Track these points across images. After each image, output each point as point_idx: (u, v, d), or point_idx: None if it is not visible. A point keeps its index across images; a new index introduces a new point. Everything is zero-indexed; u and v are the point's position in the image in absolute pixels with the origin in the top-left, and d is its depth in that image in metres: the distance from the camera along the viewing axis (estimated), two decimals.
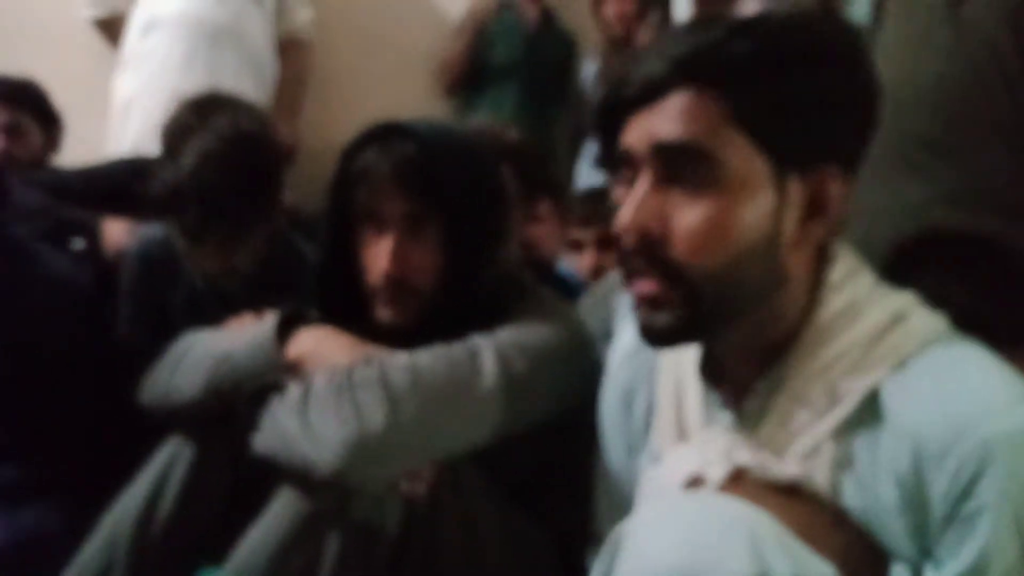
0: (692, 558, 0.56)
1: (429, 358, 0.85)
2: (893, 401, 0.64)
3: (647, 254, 0.66)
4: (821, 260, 0.70)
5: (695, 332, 0.69)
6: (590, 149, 2.50)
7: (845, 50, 0.67)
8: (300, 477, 0.82)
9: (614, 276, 1.46)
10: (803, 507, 0.65)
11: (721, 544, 0.56)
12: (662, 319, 0.67)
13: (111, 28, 2.39)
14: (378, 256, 0.92)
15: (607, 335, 1.41)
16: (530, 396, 0.88)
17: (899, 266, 0.82)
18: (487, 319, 0.91)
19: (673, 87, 0.65)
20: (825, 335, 0.67)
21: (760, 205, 0.65)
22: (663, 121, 0.65)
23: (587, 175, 2.35)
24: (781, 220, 0.66)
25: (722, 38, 0.65)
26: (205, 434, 0.95)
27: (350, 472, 0.79)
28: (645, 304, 0.68)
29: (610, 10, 2.46)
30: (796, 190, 0.66)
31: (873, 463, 0.64)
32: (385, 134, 0.93)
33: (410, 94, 2.76)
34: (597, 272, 1.62)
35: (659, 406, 0.78)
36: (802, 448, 0.66)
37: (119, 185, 1.67)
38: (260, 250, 1.33)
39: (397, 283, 0.91)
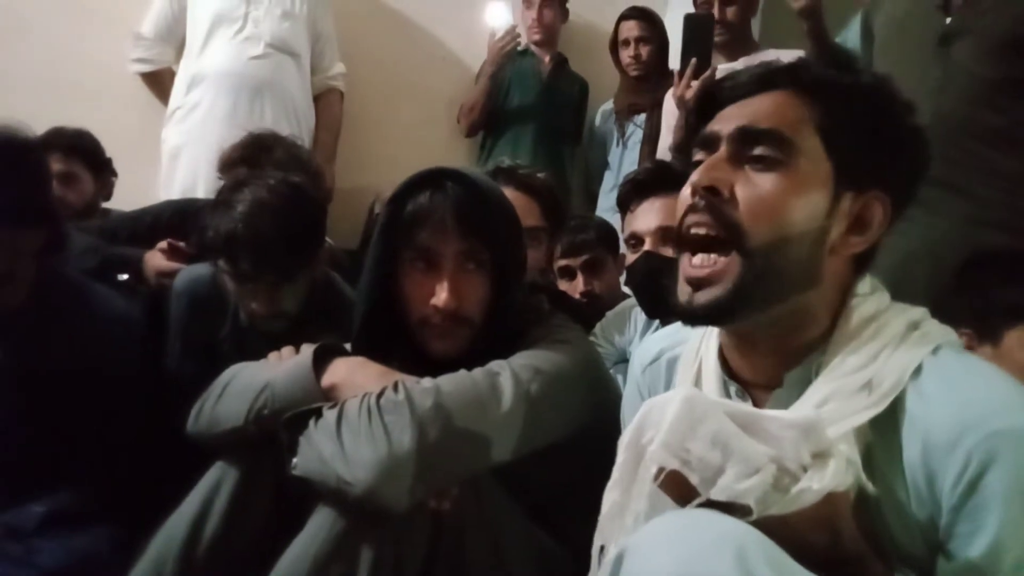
0: (684, 571, 0.60)
1: (451, 383, 0.90)
2: (909, 401, 0.69)
3: (713, 210, 0.74)
4: (850, 276, 0.77)
5: (734, 309, 0.74)
6: (607, 186, 2.57)
7: (905, 107, 0.77)
8: (335, 496, 0.86)
9: (625, 306, 1.52)
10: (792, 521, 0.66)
11: (710, 557, 0.60)
12: (707, 295, 0.74)
13: (158, 82, 2.55)
14: (430, 292, 0.98)
15: (622, 359, 1.46)
16: (546, 416, 0.93)
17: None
18: (508, 344, 0.97)
19: (770, 88, 0.76)
20: (854, 338, 0.73)
21: (816, 201, 0.73)
22: (754, 111, 0.76)
23: (605, 211, 2.41)
24: (829, 224, 0.74)
25: (820, 63, 0.77)
26: (248, 459, 1.00)
27: (381, 490, 0.83)
28: (691, 283, 0.75)
29: (627, 53, 2.55)
30: (848, 203, 0.75)
31: (889, 459, 0.69)
32: (436, 179, 1.01)
33: (433, 139, 2.88)
34: (587, 294, 1.74)
35: None
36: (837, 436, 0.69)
37: (166, 226, 1.77)
38: (304, 291, 1.41)
39: (452, 316, 0.98)
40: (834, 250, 0.75)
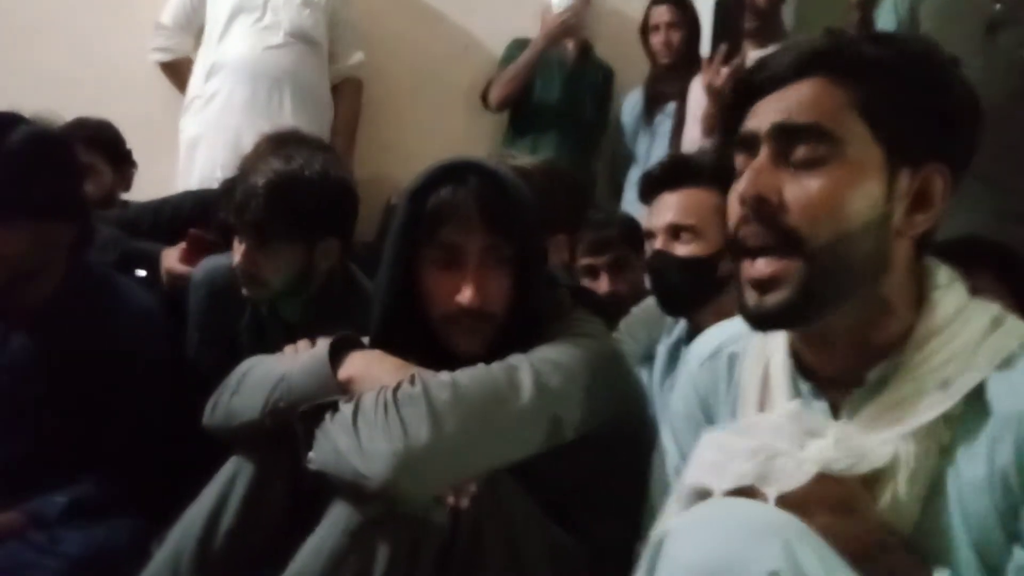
0: (726, 556, 0.60)
1: (469, 376, 0.89)
2: (998, 393, 0.67)
3: (765, 220, 0.71)
4: (917, 258, 0.75)
5: (806, 311, 0.72)
6: (633, 177, 2.54)
7: (952, 68, 0.74)
8: (352, 490, 0.86)
9: (651, 303, 1.50)
10: (826, 519, 0.67)
11: (754, 544, 0.60)
12: (773, 299, 0.71)
13: (177, 72, 2.54)
14: (454, 288, 0.96)
15: (647, 357, 1.43)
16: (565, 412, 0.91)
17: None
18: (529, 339, 0.95)
19: (805, 75, 0.72)
20: (938, 335, 0.71)
21: (871, 189, 0.70)
22: (790, 104, 0.72)
23: (631, 203, 2.38)
24: (890, 207, 0.71)
25: (856, 40, 0.73)
26: (264, 452, 1.00)
27: (397, 484, 0.83)
28: (756, 287, 0.72)
29: (657, 39, 2.50)
30: (905, 182, 0.71)
31: (972, 451, 0.67)
32: (458, 172, 0.99)
33: (454, 130, 2.85)
34: (612, 295, 1.69)
35: (743, 403, 0.81)
36: (903, 434, 0.69)
37: (186, 217, 1.78)
38: (291, 270, 1.38)
39: (477, 313, 0.96)
40: (899, 232, 0.72)
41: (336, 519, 0.86)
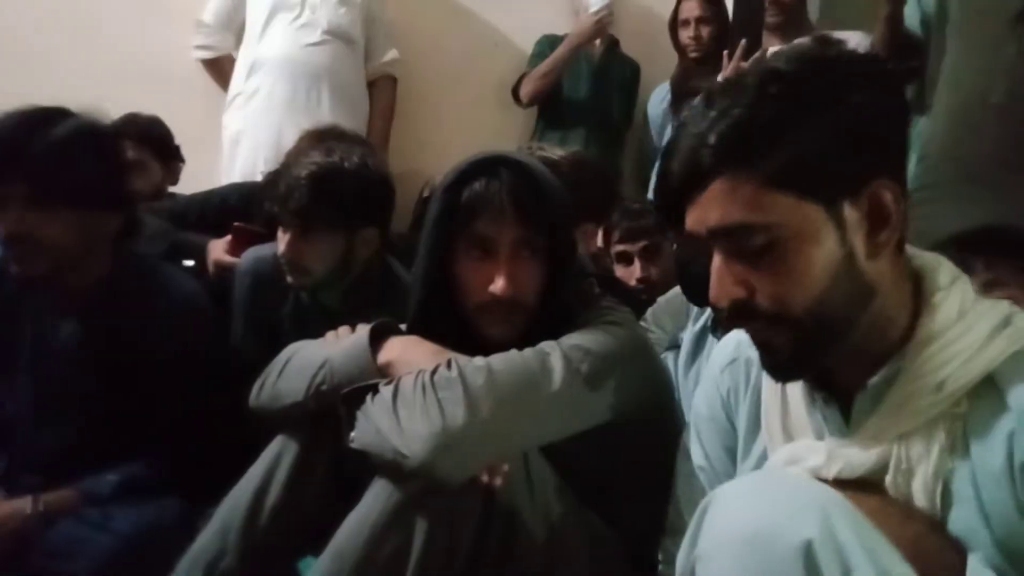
0: (766, 522, 0.62)
1: (503, 362, 0.93)
2: (1008, 382, 0.68)
3: (743, 316, 0.73)
4: (899, 258, 0.74)
5: (811, 362, 0.74)
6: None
7: (858, 77, 0.70)
8: (392, 468, 0.89)
9: (677, 293, 1.52)
10: (874, 501, 0.69)
11: (793, 512, 0.62)
12: (780, 359, 0.74)
13: (219, 69, 2.61)
14: (487, 279, 1.00)
15: (673, 345, 1.46)
16: (595, 396, 0.94)
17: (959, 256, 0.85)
18: (559, 327, 0.98)
19: (708, 179, 0.70)
20: (940, 339, 0.71)
21: (824, 245, 0.69)
22: (708, 210, 0.71)
23: None
24: (849, 244, 0.70)
25: (741, 117, 0.69)
26: (307, 433, 1.04)
27: (435, 464, 0.86)
28: (762, 348, 0.75)
29: (687, 34, 2.50)
30: (853, 214, 0.70)
31: (988, 446, 0.68)
32: (491, 166, 1.02)
33: (485, 124, 2.89)
34: (644, 280, 1.76)
35: (766, 409, 0.83)
36: (907, 432, 0.70)
37: (231, 209, 1.85)
38: (333, 259, 1.43)
39: (509, 303, 0.99)
40: (870, 256, 0.71)
41: (377, 495, 0.90)
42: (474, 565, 0.91)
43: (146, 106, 2.25)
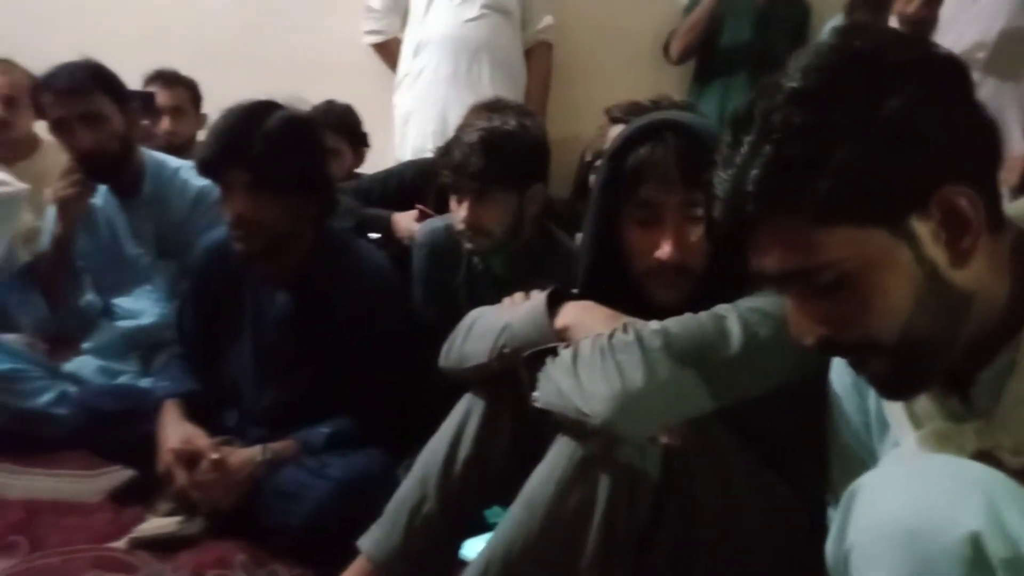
0: (924, 516, 0.56)
1: (679, 325, 0.94)
2: None
3: (837, 350, 0.70)
4: (996, 248, 0.66)
5: (919, 382, 0.70)
6: None
7: (894, 72, 0.62)
8: (574, 426, 0.95)
9: None
10: None
11: (954, 503, 0.56)
12: (884, 383, 0.70)
13: (388, 51, 2.77)
14: (654, 244, 1.01)
15: None
16: (773, 359, 0.93)
17: None
18: (729, 291, 0.98)
19: (755, 227, 0.66)
20: None
21: (897, 266, 0.63)
22: (763, 256, 0.67)
23: None
24: (928, 261, 0.63)
25: (772, 157, 0.63)
26: (491, 392, 1.11)
27: (616, 423, 0.90)
28: (863, 375, 0.72)
29: None
30: (923, 227, 0.63)
31: None
32: (656, 130, 1.02)
33: (641, 82, 2.82)
34: None
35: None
36: None
37: (408, 185, 2.00)
38: (510, 219, 1.51)
39: (677, 268, 1.01)
40: (955, 264, 0.64)
41: (561, 451, 0.96)
42: (655, 524, 0.94)
43: (321, 91, 2.41)
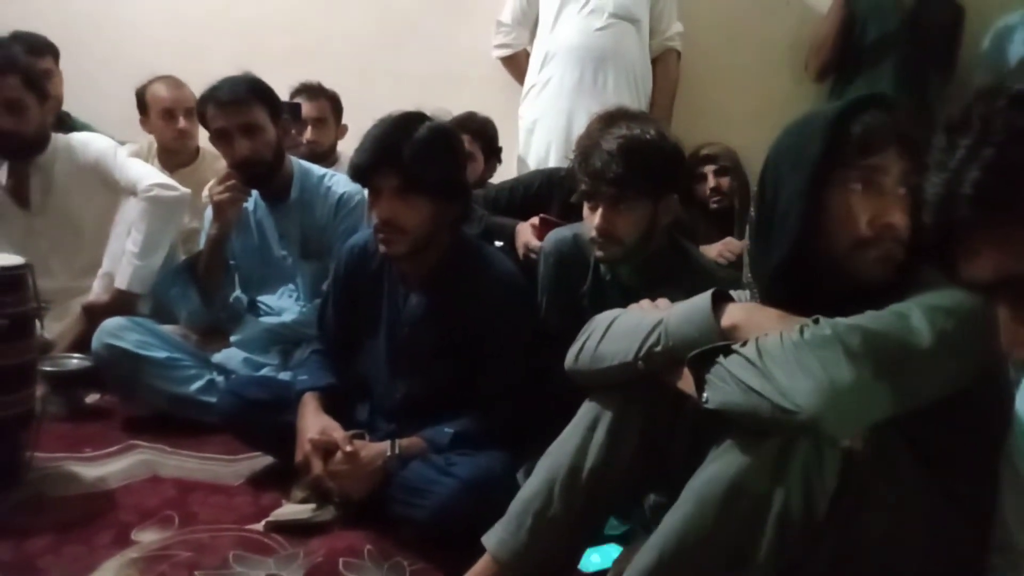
0: None
1: (866, 320, 0.90)
2: None
3: None
4: None
5: None
6: None
7: None
8: (766, 424, 0.89)
9: None
10: None
11: None
12: None
13: (515, 64, 2.83)
14: (876, 210, 0.98)
15: None
16: (960, 354, 0.89)
17: None
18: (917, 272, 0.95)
19: (970, 232, 0.65)
20: None
21: None
22: (978, 263, 0.65)
23: None
24: None
25: (994, 160, 0.62)
26: (619, 401, 1.10)
27: (823, 418, 0.86)
28: None
29: None
30: None
31: None
32: (880, 101, 1.03)
33: (775, 87, 2.75)
34: None
35: None
36: None
37: (535, 194, 2.03)
38: (642, 228, 1.50)
39: (896, 238, 0.98)
40: None
41: (731, 450, 0.92)
42: (825, 527, 0.91)
43: (453, 105, 2.51)
